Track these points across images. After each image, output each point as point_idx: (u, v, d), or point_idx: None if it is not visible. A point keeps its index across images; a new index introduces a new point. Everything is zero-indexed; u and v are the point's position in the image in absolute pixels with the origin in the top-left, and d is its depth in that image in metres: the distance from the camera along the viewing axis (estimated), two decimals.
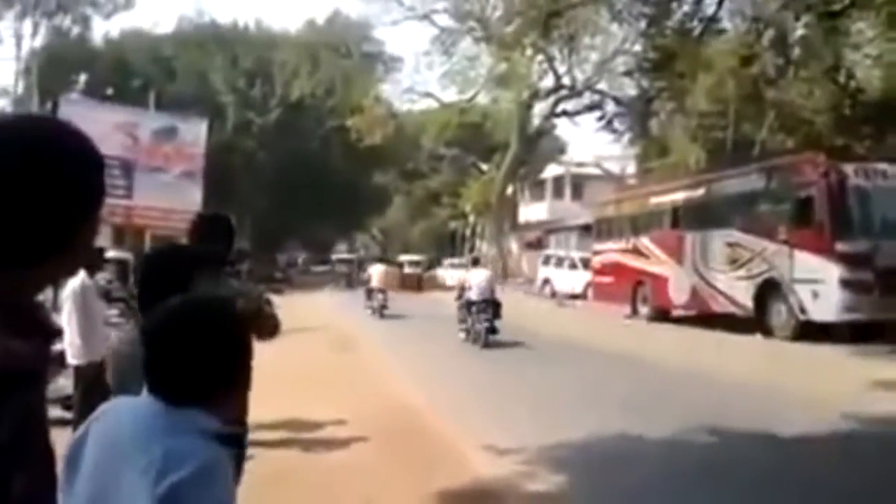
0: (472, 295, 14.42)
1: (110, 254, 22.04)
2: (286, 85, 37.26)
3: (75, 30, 37.09)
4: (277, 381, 7.61)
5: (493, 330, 14.12)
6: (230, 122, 33.73)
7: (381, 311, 20.55)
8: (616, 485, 5.70)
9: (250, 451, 3.35)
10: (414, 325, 19.07)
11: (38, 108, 26.56)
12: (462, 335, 14.90)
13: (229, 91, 35.97)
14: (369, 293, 21.68)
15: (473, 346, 14.21)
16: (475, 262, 17.37)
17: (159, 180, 16.93)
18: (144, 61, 37.14)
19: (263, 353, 1.91)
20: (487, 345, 13.84)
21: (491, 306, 14.30)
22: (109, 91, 33.41)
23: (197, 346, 1.53)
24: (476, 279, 14.85)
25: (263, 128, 35.93)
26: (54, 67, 32.48)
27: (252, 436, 3.39)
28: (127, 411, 1.60)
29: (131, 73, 35.92)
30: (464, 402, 8.82)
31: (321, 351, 13.01)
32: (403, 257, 38.20)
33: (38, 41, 35.58)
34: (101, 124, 16.25)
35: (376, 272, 21.96)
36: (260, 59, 37.45)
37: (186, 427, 1.49)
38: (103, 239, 25.17)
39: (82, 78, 37.17)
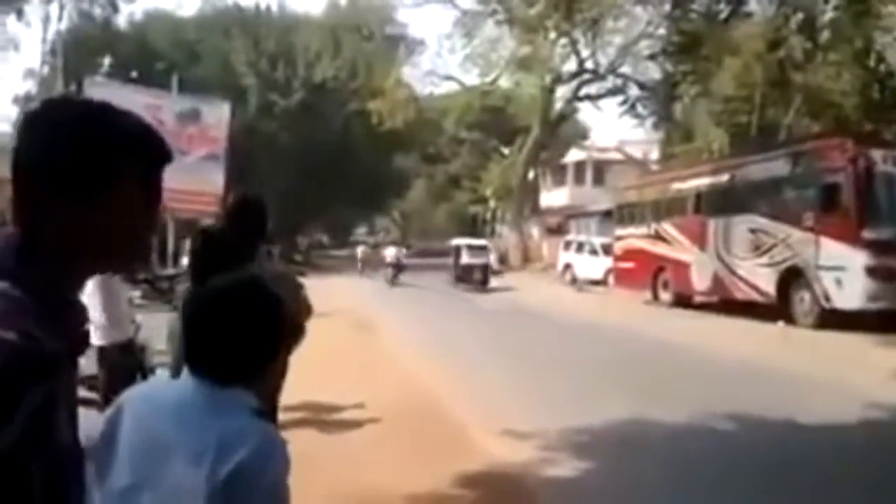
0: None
1: None
2: (308, 67, 37.27)
3: (99, 12, 37.26)
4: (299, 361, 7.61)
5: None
6: (252, 104, 33.81)
7: (392, 281, 26.37)
8: (635, 470, 5.69)
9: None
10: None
11: (63, 89, 26.81)
12: None
13: (252, 73, 36.04)
14: (386, 267, 27.63)
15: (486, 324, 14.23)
16: None
17: (182, 162, 16.99)
18: (168, 44, 37.29)
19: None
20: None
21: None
22: (133, 74, 33.72)
23: (241, 324, 1.53)
24: None
25: (286, 110, 36.00)
26: (79, 50, 32.68)
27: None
28: (168, 394, 1.59)
29: (155, 56, 36.05)
30: (481, 386, 8.83)
31: (344, 331, 13.08)
32: (459, 241, 33.48)
33: (64, 24, 35.84)
34: (126, 106, 16.31)
35: (389, 253, 28.41)
36: (282, 42, 37.45)
37: (237, 406, 1.49)
38: None
39: (106, 61, 37.47)
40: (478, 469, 5.55)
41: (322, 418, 7.09)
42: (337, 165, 37.41)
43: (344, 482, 5.16)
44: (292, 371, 1.83)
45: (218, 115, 17.67)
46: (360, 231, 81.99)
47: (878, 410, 7.35)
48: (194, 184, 17.00)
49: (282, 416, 5.69)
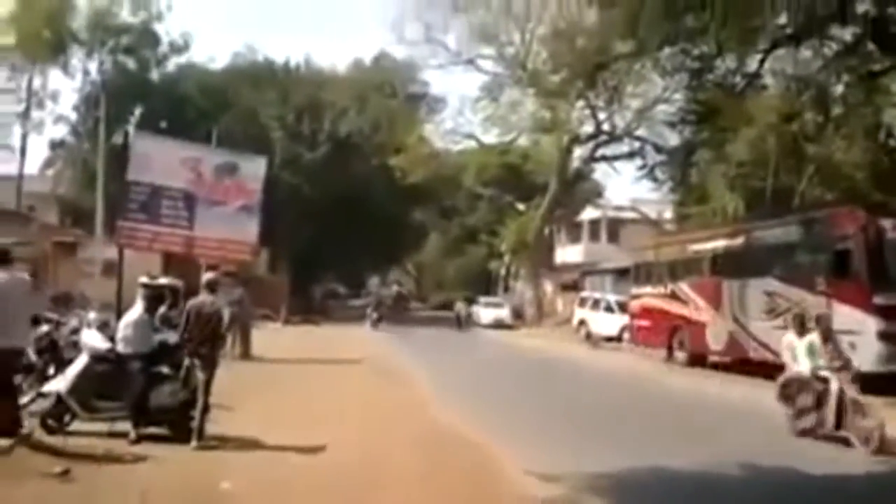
0: None
1: (162, 281, 22.88)
2: (334, 122, 38.41)
3: (133, 65, 38.74)
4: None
5: None
6: (278, 156, 34.85)
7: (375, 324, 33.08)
8: None
9: None
10: None
11: (105, 139, 27.84)
12: None
13: (279, 126, 37.19)
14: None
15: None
16: None
17: (219, 213, 17.66)
18: (198, 96, 38.53)
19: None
20: None
21: None
22: (163, 124, 34.85)
23: None
24: None
25: (311, 163, 37.02)
26: (111, 100, 33.84)
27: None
28: None
29: (185, 107, 37.25)
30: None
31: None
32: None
33: (101, 75, 37.46)
34: (169, 158, 17.17)
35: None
36: (309, 97, 38.69)
37: None
38: (153, 266, 26.21)
39: (137, 111, 38.77)
40: None
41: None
42: (357, 218, 38.23)
43: None
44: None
45: (254, 169, 18.38)
46: (373, 282, 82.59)
47: (883, 465, 7.83)
48: (230, 233, 17.62)
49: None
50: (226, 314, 8.72)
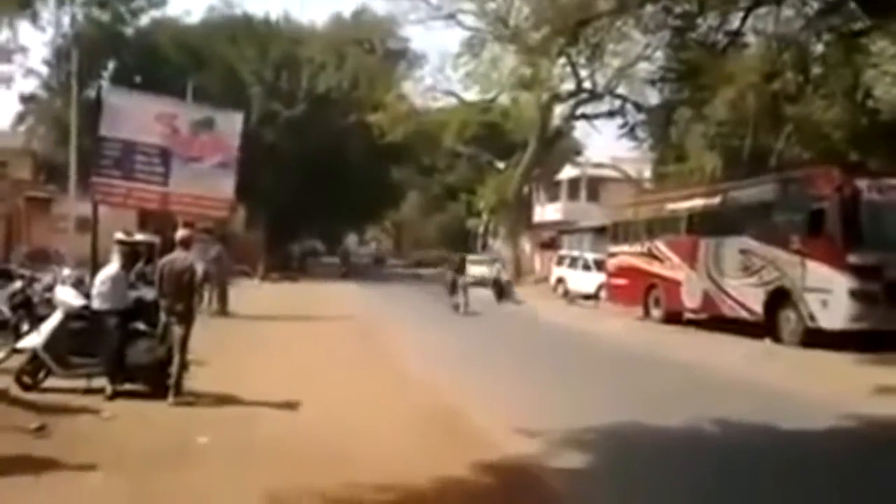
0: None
1: (139, 237, 22.75)
2: (312, 78, 37.78)
3: (107, 19, 37.71)
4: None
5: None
6: (255, 113, 34.31)
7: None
8: (623, 469, 6.35)
9: None
10: None
11: (77, 94, 27.27)
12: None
13: (257, 82, 36.50)
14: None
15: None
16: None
17: (195, 169, 17.43)
18: (173, 50, 37.69)
19: None
20: None
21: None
22: (138, 79, 34.12)
23: None
24: None
25: (289, 119, 36.47)
26: (84, 53, 33.02)
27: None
28: None
29: (159, 62, 36.42)
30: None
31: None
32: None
33: (72, 29, 36.46)
34: (143, 113, 16.85)
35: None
36: (287, 52, 37.95)
37: None
38: (129, 222, 25.92)
39: (111, 65, 37.91)
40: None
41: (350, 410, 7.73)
42: (335, 175, 37.88)
43: (380, 466, 5.79)
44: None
45: (231, 124, 18.11)
46: (351, 240, 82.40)
47: (854, 422, 8.02)
48: (206, 189, 17.43)
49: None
50: (199, 269, 8.64)
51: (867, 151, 17.57)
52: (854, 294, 13.22)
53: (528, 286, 33.95)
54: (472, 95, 38.35)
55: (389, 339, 14.76)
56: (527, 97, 35.71)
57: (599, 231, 30.07)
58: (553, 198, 46.54)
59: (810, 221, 14.30)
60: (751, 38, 16.91)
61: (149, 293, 9.35)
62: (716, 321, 17.13)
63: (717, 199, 17.65)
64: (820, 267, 13.87)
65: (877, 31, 14.03)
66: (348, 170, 38.56)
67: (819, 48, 16.10)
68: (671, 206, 19.67)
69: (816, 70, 16.24)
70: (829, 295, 13.57)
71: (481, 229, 50.77)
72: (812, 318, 13.97)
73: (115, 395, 8.00)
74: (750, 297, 15.73)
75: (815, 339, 13.73)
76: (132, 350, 8.31)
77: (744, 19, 15.88)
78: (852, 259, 13.37)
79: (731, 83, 15.85)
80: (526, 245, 43.30)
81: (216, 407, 7.87)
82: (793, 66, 15.62)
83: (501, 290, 26.43)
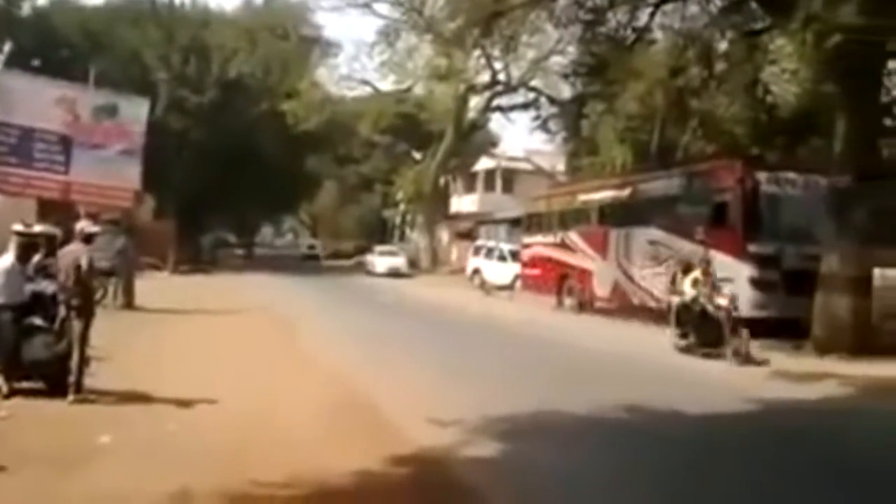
0: None
1: (38, 228, 21.77)
2: (222, 64, 36.74)
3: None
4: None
5: None
6: (162, 99, 33.16)
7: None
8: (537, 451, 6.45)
9: None
10: None
11: None
12: None
13: (164, 68, 35.21)
14: None
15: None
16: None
17: (98, 157, 16.80)
18: (74, 32, 36.03)
19: None
20: None
21: None
22: (35, 62, 32.41)
23: None
24: None
25: (198, 106, 35.37)
26: None
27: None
28: None
29: (58, 45, 34.79)
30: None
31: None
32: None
33: None
34: (42, 98, 16.10)
35: None
36: (196, 38, 36.72)
37: None
38: (28, 213, 24.67)
39: (6, 47, 35.89)
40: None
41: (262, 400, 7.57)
42: (247, 164, 37.07)
43: (289, 462, 5.69)
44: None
45: (136, 110, 17.51)
46: (267, 231, 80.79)
47: (752, 404, 8.39)
48: (110, 178, 16.82)
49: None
50: (84, 261, 8.21)
51: (767, 145, 18.35)
52: (755, 282, 13.78)
53: (445, 276, 34.13)
54: (387, 85, 38.27)
55: (300, 328, 14.58)
56: (442, 88, 35.81)
57: (515, 222, 30.44)
58: (469, 189, 46.90)
59: (713, 212, 14.86)
60: (658, 35, 17.38)
61: (49, 287, 8.91)
62: (625, 310, 17.58)
63: (626, 192, 18.12)
64: (722, 256, 14.36)
65: (776, 29, 14.61)
66: (261, 159, 37.78)
67: (723, 45, 16.68)
68: (583, 197, 20.10)
69: (720, 66, 16.82)
70: (732, 284, 14.08)
71: (398, 220, 50.71)
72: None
73: (12, 394, 7.62)
74: (657, 286, 16.21)
75: None
76: (29, 346, 7.91)
77: (651, 15, 16.33)
78: (753, 248, 13.94)
79: (640, 78, 16.26)
80: (443, 235, 43.51)
81: (119, 404, 7.58)
82: (697, 61, 16.14)
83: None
